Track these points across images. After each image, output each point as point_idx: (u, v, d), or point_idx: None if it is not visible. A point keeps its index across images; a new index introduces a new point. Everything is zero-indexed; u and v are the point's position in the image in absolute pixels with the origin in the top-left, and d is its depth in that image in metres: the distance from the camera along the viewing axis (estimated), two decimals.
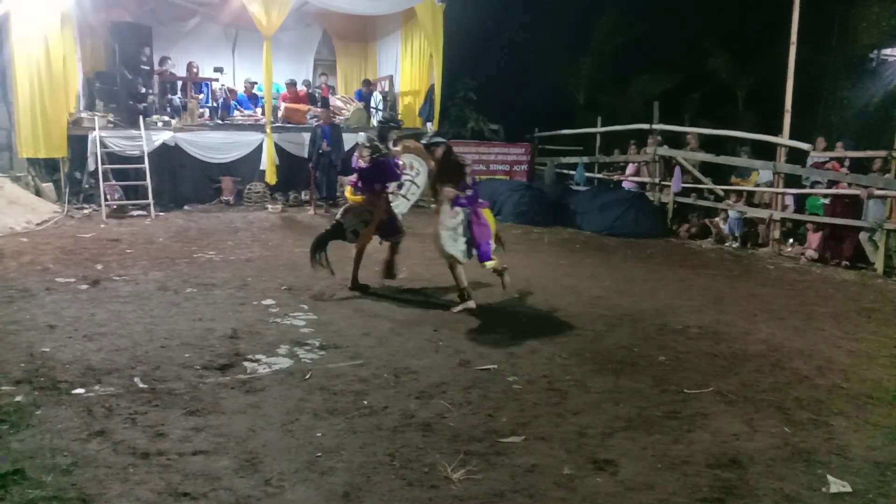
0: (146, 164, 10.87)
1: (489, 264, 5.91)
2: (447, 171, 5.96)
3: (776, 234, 9.86)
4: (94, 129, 10.90)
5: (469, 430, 3.62)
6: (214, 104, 13.45)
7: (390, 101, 14.92)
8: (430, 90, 13.68)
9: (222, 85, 13.87)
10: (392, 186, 6.52)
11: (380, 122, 6.66)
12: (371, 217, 6.28)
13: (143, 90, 12.03)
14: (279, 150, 12.32)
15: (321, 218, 10.96)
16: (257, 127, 12.57)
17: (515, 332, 5.36)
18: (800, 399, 4.23)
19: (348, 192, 6.66)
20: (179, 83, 13.25)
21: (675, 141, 12.36)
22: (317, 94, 14.38)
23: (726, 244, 10.23)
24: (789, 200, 10.03)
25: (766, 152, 10.70)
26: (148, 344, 4.75)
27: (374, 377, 4.31)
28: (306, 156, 12.00)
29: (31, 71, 10.53)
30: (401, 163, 6.54)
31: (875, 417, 4.00)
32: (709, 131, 12.39)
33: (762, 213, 10.11)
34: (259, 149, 12.24)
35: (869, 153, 9.38)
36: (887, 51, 15.91)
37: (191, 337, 4.94)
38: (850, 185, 9.10)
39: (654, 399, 4.14)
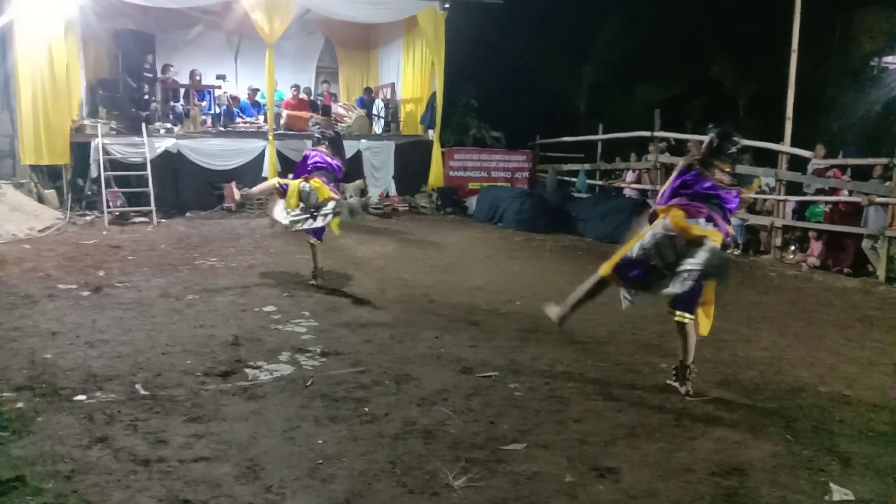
0: (148, 171, 10.89)
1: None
2: None
3: (778, 241, 9.86)
4: (96, 136, 10.93)
5: (470, 437, 3.61)
6: (217, 111, 13.50)
7: (392, 108, 14.97)
8: (432, 97, 13.71)
9: (225, 92, 13.92)
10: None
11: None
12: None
13: (146, 97, 12.08)
14: (281, 157, 12.35)
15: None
16: (259, 134, 12.61)
17: (517, 340, 5.36)
18: (802, 407, 4.22)
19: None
20: (182, 90, 13.30)
21: (678, 148, 12.36)
22: (319, 102, 14.42)
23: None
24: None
25: (767, 160, 10.70)
26: (149, 350, 4.75)
27: (375, 384, 4.30)
28: None
29: (34, 78, 10.58)
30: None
31: (878, 425, 3.98)
32: None
33: (764, 221, 10.10)
34: (261, 156, 12.27)
35: (870, 160, 9.37)
36: (888, 58, 15.96)
37: (192, 343, 4.94)
38: (850, 192, 9.09)
39: (657, 406, 4.13)
